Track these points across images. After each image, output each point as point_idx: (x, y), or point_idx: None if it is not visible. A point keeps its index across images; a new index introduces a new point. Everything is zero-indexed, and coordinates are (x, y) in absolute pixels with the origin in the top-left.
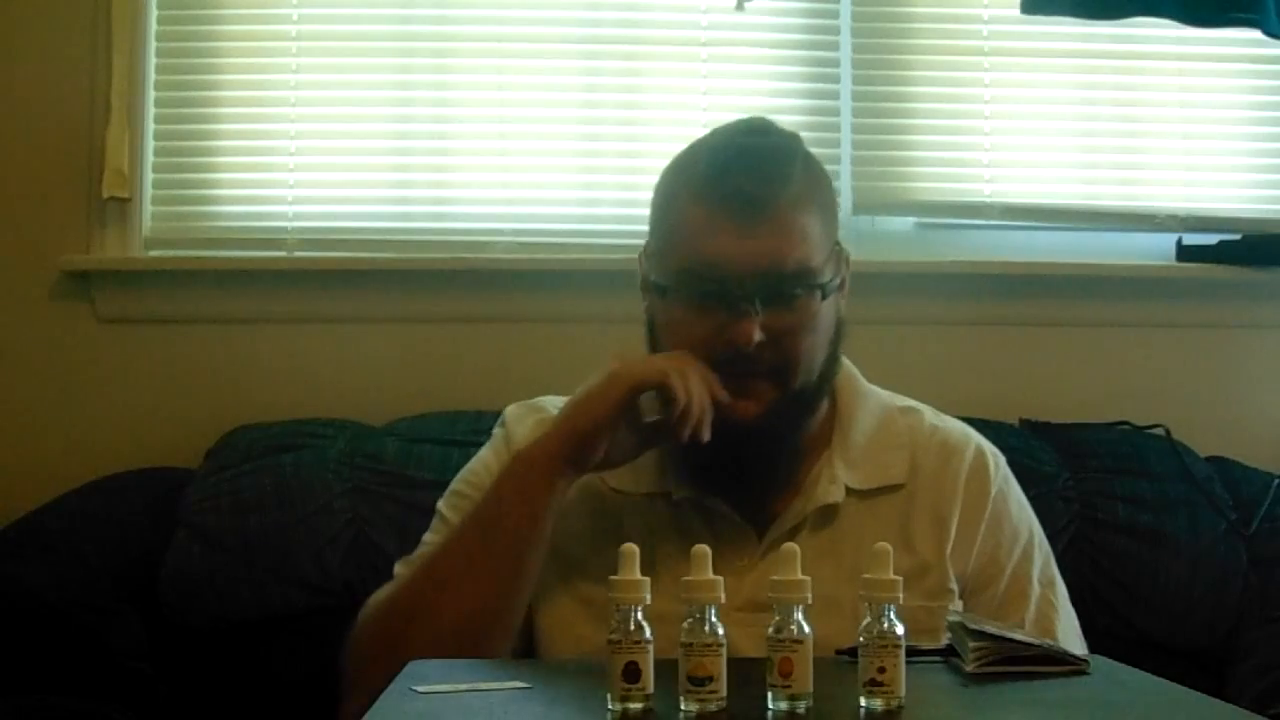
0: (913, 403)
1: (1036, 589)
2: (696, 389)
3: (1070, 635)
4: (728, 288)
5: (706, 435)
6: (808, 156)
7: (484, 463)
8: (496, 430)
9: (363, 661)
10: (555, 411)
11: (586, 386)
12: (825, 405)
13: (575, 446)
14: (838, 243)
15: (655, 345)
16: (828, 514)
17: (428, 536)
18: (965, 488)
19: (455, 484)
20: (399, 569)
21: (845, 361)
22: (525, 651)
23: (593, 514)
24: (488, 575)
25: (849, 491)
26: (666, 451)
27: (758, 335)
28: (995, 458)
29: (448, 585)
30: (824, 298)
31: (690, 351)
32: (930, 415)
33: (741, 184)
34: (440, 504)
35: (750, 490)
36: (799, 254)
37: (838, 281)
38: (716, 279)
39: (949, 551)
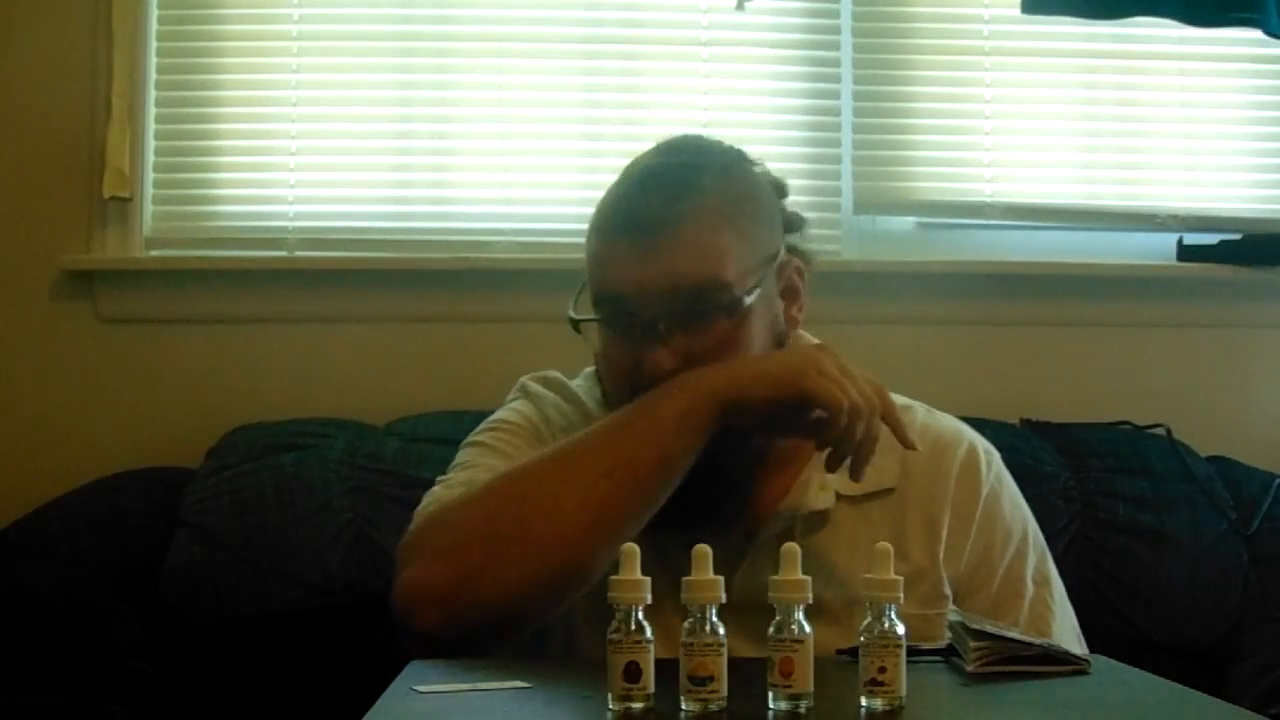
0: (906, 400)
1: (1030, 588)
2: (861, 431)
3: (1067, 635)
4: (632, 314)
5: (860, 477)
6: (727, 169)
7: (517, 411)
8: (515, 394)
9: (452, 540)
10: (573, 387)
11: (775, 359)
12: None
13: (729, 408)
14: (778, 254)
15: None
16: (818, 520)
17: (459, 471)
18: (956, 486)
19: (488, 425)
20: (440, 491)
21: None
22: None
23: None
24: (626, 485)
25: (839, 497)
26: None
27: (668, 361)
28: (988, 454)
29: (583, 482)
30: (733, 313)
31: (616, 384)
32: (923, 413)
33: (638, 207)
34: (474, 436)
35: (717, 509)
36: (700, 270)
37: (761, 293)
38: (621, 307)
39: (942, 555)
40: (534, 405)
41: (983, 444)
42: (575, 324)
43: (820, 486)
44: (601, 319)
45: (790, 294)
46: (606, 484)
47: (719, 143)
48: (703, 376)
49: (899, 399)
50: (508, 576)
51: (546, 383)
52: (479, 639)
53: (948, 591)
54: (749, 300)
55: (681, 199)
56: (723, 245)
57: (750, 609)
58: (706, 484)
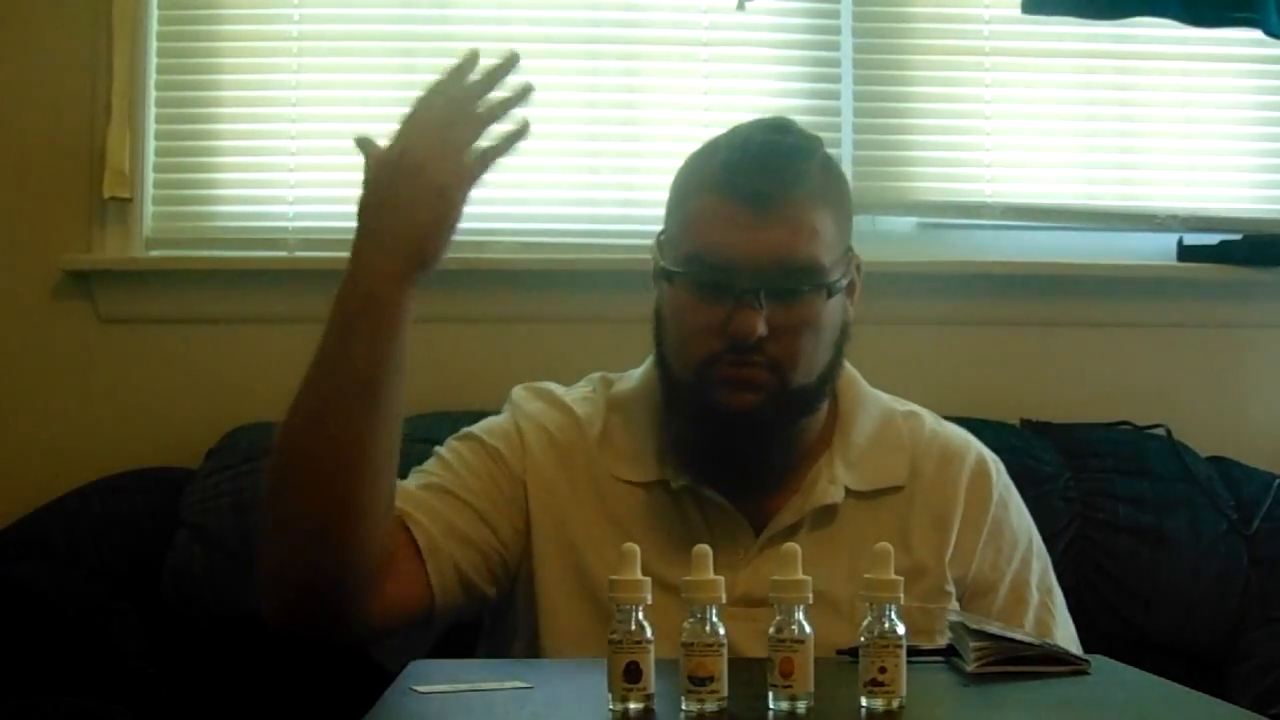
0: (914, 407)
1: (1035, 596)
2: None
3: (1068, 644)
4: (734, 278)
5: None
6: (827, 159)
7: (493, 422)
8: (505, 408)
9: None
10: (563, 397)
11: (401, 192)
12: (826, 407)
13: (421, 255)
14: (850, 247)
15: (661, 333)
16: (827, 514)
17: (430, 465)
18: (966, 494)
19: (459, 433)
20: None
21: (847, 364)
22: (529, 645)
23: (598, 503)
24: (354, 415)
25: (848, 493)
26: (666, 440)
27: (761, 329)
28: (996, 465)
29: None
30: (829, 296)
31: (692, 340)
32: (931, 420)
33: (757, 177)
34: (450, 442)
35: (747, 482)
36: (808, 250)
37: (845, 283)
38: (724, 269)
39: (949, 556)
40: (512, 416)
41: (990, 455)
42: (669, 274)
43: (829, 481)
44: (697, 276)
45: (850, 288)
46: (340, 427)
47: (803, 128)
48: (371, 267)
49: (905, 405)
50: (280, 546)
51: (535, 394)
52: (333, 616)
53: (949, 588)
54: (841, 285)
55: (797, 179)
56: (825, 230)
57: (760, 604)
58: (752, 443)
